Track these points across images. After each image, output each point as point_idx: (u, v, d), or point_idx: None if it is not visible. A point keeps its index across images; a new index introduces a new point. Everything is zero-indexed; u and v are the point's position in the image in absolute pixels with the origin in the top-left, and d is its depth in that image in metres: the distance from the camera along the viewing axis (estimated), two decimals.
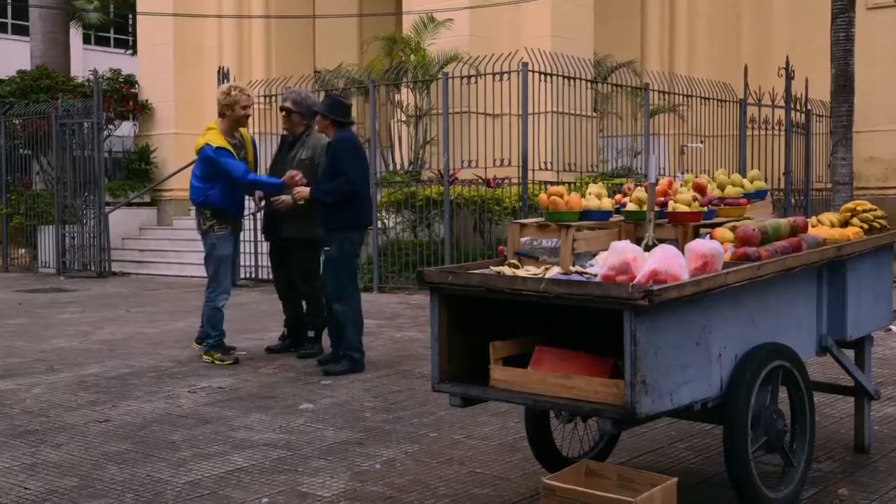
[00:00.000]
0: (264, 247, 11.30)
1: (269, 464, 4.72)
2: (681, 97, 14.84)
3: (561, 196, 4.20)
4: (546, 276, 3.63)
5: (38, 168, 17.56)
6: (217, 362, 7.31)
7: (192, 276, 14.09)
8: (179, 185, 15.60)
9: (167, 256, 15.60)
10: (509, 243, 4.26)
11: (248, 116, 7.49)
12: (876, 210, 4.86)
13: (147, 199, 17.66)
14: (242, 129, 7.62)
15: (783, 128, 15.63)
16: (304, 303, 7.66)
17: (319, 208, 6.92)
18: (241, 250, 13.58)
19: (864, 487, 4.26)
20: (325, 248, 6.93)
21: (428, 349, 4.85)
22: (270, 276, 8.50)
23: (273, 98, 14.09)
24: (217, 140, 7.26)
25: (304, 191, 6.94)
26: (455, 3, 13.97)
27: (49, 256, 16.34)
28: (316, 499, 4.20)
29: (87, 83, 18.21)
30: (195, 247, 10.93)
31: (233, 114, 7.34)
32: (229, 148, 7.25)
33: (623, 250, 3.44)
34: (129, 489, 4.35)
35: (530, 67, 12.03)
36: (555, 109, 12.63)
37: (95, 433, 5.35)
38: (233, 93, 7.34)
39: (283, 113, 7.58)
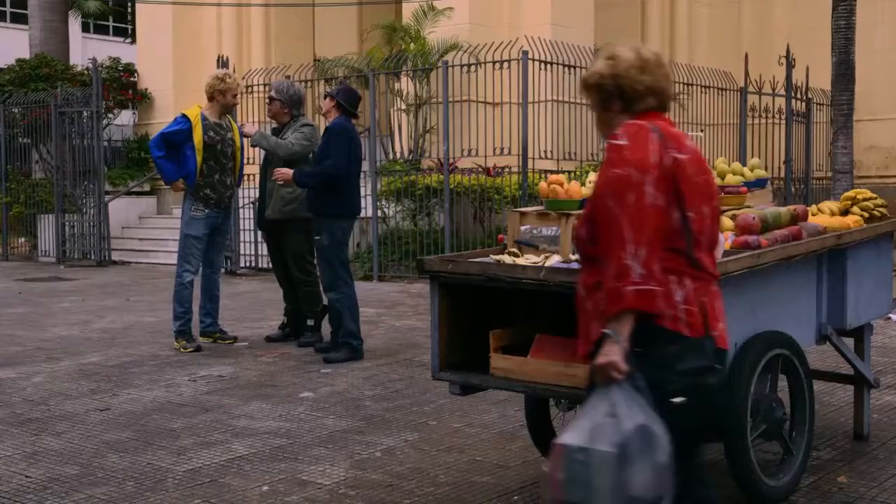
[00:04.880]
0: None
1: (270, 452, 4.73)
2: (681, 85, 14.77)
3: (561, 184, 4.19)
4: (546, 265, 3.63)
5: (38, 157, 17.53)
6: (181, 350, 7.36)
7: None
8: None
9: (167, 245, 15.53)
10: (509, 232, 4.25)
11: (236, 104, 7.81)
12: (876, 198, 4.86)
13: (147, 188, 17.64)
14: (230, 117, 7.84)
15: (784, 116, 15.61)
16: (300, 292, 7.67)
17: (309, 194, 7.01)
18: (241, 239, 13.65)
19: (864, 475, 4.27)
20: (316, 238, 6.96)
21: (428, 338, 4.85)
22: (270, 265, 8.52)
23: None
24: (194, 111, 7.44)
25: (287, 172, 6.97)
26: None
27: (49, 245, 16.33)
28: (316, 486, 4.21)
29: (86, 72, 18.16)
30: None
31: (223, 99, 7.57)
32: (197, 119, 7.36)
33: None
34: (130, 477, 4.36)
35: (530, 56, 12.01)
36: (555, 98, 12.61)
37: (96, 421, 5.36)
38: (227, 80, 7.58)
39: (268, 102, 7.78)
